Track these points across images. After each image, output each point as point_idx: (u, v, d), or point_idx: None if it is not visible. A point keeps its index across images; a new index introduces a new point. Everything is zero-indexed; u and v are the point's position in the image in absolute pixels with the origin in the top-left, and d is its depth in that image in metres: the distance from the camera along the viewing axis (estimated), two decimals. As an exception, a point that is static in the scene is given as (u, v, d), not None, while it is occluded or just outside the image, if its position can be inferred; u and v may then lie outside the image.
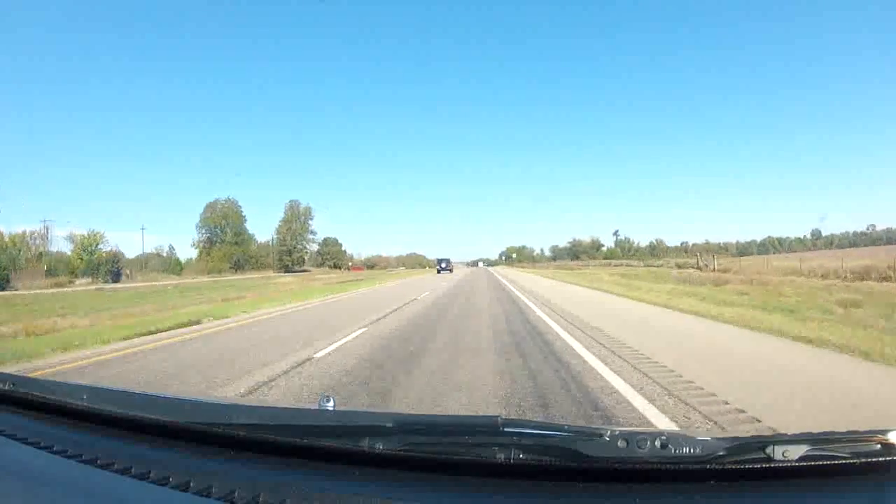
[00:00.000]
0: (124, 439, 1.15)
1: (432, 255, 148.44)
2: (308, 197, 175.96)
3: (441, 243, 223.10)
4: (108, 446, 1.11)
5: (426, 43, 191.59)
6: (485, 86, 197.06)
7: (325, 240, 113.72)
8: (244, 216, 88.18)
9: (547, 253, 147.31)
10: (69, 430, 1.21)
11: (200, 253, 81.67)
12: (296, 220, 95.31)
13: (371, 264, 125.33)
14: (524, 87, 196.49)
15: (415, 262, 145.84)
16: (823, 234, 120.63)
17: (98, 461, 1.03)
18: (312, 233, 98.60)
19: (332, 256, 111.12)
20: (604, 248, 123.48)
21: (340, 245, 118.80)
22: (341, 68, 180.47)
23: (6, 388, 1.35)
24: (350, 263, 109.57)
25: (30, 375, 2.23)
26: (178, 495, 0.91)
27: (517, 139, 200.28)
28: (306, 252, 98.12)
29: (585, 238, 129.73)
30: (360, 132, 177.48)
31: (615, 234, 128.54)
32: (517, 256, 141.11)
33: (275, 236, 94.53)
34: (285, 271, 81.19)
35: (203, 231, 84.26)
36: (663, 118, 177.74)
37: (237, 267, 78.14)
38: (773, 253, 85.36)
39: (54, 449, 1.10)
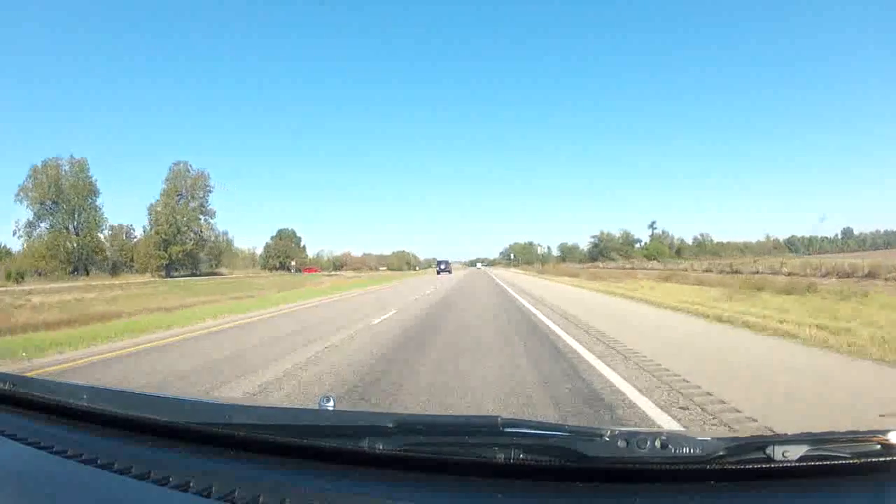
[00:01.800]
0: (124, 439, 1.15)
1: (424, 255, 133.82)
2: (302, 196, 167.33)
3: (437, 242, 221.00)
4: (108, 446, 1.11)
5: (422, 37, 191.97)
6: (483, 79, 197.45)
7: (280, 232, 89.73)
8: (97, 188, 53.73)
9: (555, 252, 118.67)
10: (69, 430, 1.21)
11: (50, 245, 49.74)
12: (177, 195, 58.65)
13: (340, 264, 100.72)
14: (523, 80, 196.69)
15: (401, 262, 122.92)
16: (839, 234, 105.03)
17: (98, 461, 1.03)
18: (208, 214, 61.49)
19: (285, 253, 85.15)
20: (637, 246, 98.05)
21: (298, 239, 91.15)
22: (340, 67, 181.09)
23: (6, 388, 1.35)
24: (294, 263, 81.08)
25: (29, 375, 2.23)
26: (178, 495, 0.91)
27: (515, 132, 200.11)
28: (199, 243, 61.48)
29: (614, 231, 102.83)
30: (351, 124, 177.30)
31: (651, 226, 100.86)
32: (529, 255, 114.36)
33: (148, 220, 58.61)
34: (167, 274, 53.72)
35: (34, 209, 51.78)
36: (665, 116, 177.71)
37: (79, 268, 50.62)
38: (808, 254, 74.50)
39: (54, 449, 1.10)
